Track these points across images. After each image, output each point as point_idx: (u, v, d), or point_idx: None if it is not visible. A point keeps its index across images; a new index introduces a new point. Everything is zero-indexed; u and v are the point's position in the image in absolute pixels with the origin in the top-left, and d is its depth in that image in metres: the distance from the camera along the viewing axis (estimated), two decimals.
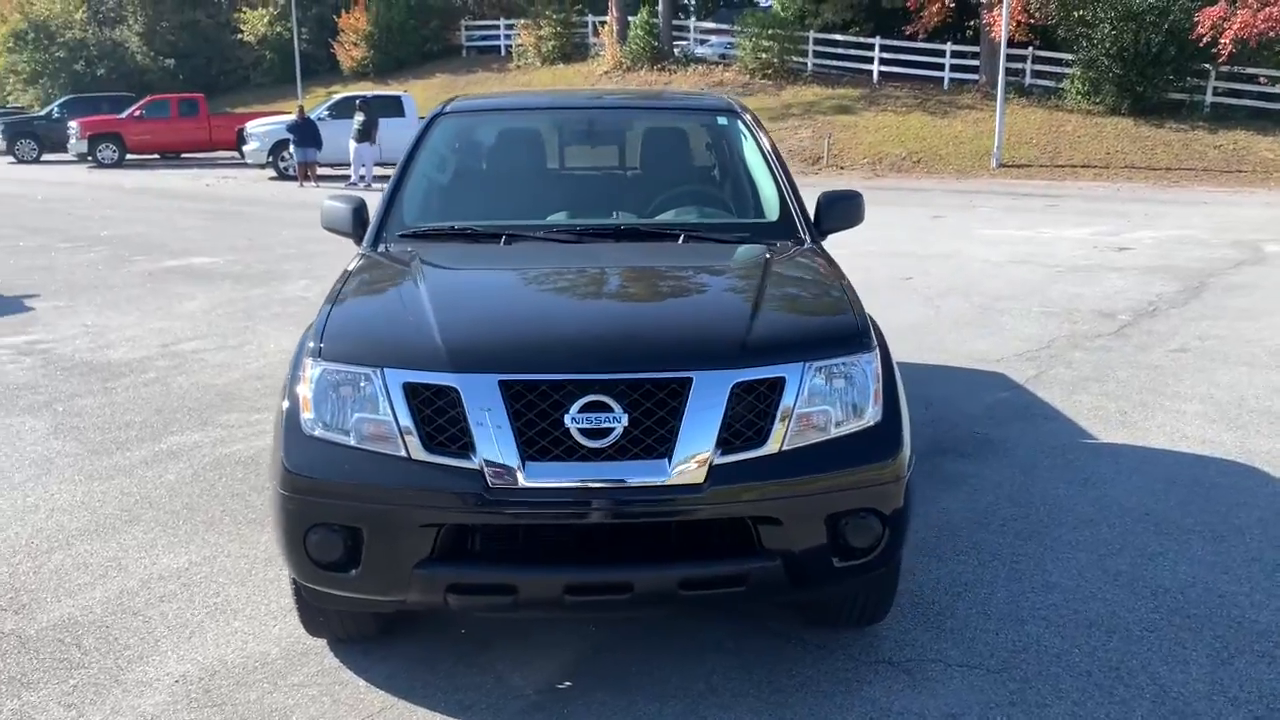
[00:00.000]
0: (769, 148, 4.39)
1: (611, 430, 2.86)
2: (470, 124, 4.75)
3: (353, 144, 21.67)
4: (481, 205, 4.37)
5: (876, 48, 31.35)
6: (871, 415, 3.09)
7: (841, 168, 26.65)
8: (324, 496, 2.94)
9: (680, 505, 2.88)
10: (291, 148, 22.24)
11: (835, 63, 32.37)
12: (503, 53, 39.39)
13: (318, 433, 3.00)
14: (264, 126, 24.25)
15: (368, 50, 39.12)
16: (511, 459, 2.83)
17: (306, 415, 3.03)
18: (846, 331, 3.17)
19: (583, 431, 2.86)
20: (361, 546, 2.91)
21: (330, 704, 3.23)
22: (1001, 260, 12.03)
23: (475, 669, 3.41)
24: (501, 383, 2.88)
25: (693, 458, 2.87)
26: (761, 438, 2.94)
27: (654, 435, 2.88)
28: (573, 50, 37.16)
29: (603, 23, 35.89)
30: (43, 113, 32.34)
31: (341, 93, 28.93)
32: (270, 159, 23.88)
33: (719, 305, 3.35)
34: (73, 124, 27.70)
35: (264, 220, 16.78)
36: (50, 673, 3.41)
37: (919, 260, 12.03)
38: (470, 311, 3.31)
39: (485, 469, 2.84)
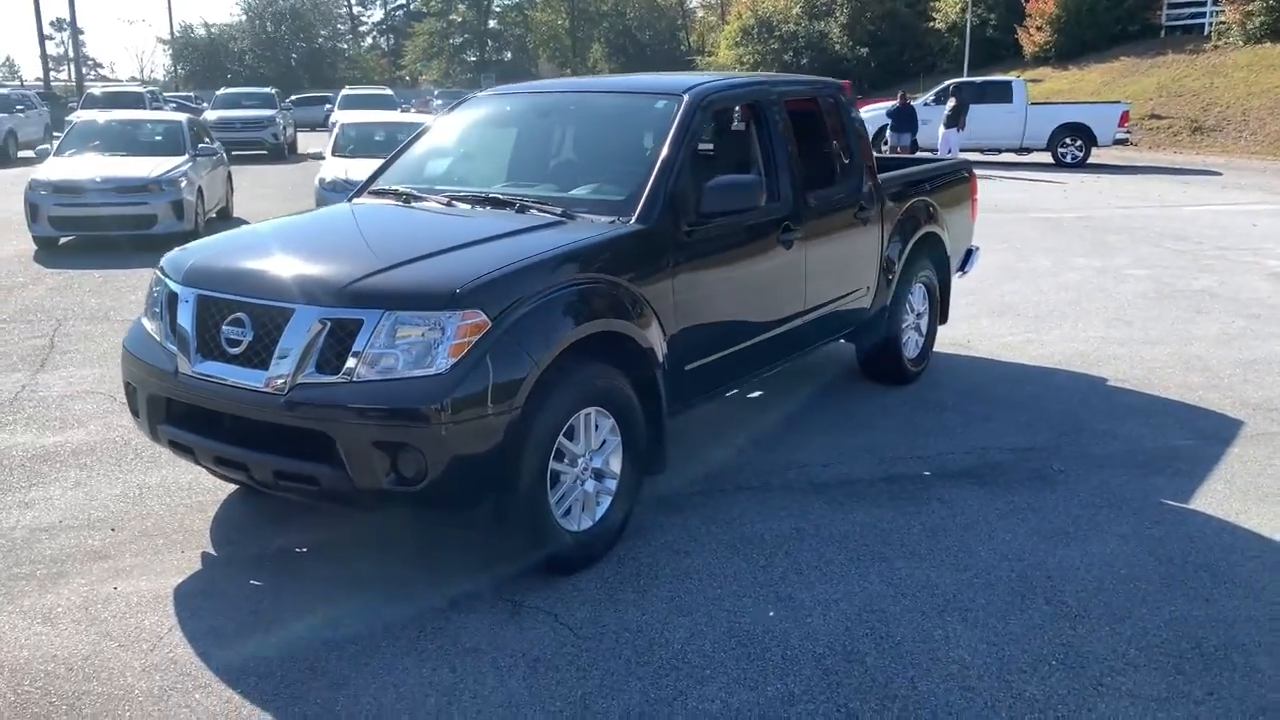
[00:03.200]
0: (684, 132, 4.54)
1: (242, 342, 3.71)
2: (478, 107, 5.56)
3: (941, 129, 21.89)
4: (442, 173, 5.18)
5: None
6: (439, 366, 3.47)
7: None
8: (128, 364, 4.21)
9: (265, 409, 3.62)
10: (888, 133, 23.11)
11: None
12: (1205, 31, 35.49)
13: (144, 321, 4.28)
14: (870, 113, 25.32)
15: (1051, 34, 37.96)
16: (188, 353, 3.83)
17: (145, 310, 4.33)
18: (440, 291, 3.54)
19: (227, 340, 3.75)
20: (138, 402, 4.14)
21: (168, 516, 4.51)
22: None
23: (268, 525, 4.44)
24: (198, 295, 3.88)
25: (281, 373, 3.59)
26: (338, 367, 3.54)
27: (266, 351, 3.65)
28: None
29: None
30: None
31: (1011, 77, 28.65)
32: None
33: (372, 256, 3.89)
34: None
35: None
36: (106, 467, 5.16)
37: None
38: (236, 243, 4.33)
39: (178, 358, 3.87)
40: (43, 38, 50.12)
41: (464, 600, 3.77)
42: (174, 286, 4.02)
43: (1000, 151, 23.92)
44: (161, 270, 4.22)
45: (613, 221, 4.26)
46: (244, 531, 4.40)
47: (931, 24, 42.91)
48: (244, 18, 69.12)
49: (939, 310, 6.76)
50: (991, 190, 18.03)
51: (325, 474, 3.57)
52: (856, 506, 4.61)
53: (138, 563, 4.11)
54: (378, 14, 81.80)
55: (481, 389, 3.50)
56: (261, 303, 3.71)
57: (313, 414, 3.55)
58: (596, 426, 4.00)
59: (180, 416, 3.97)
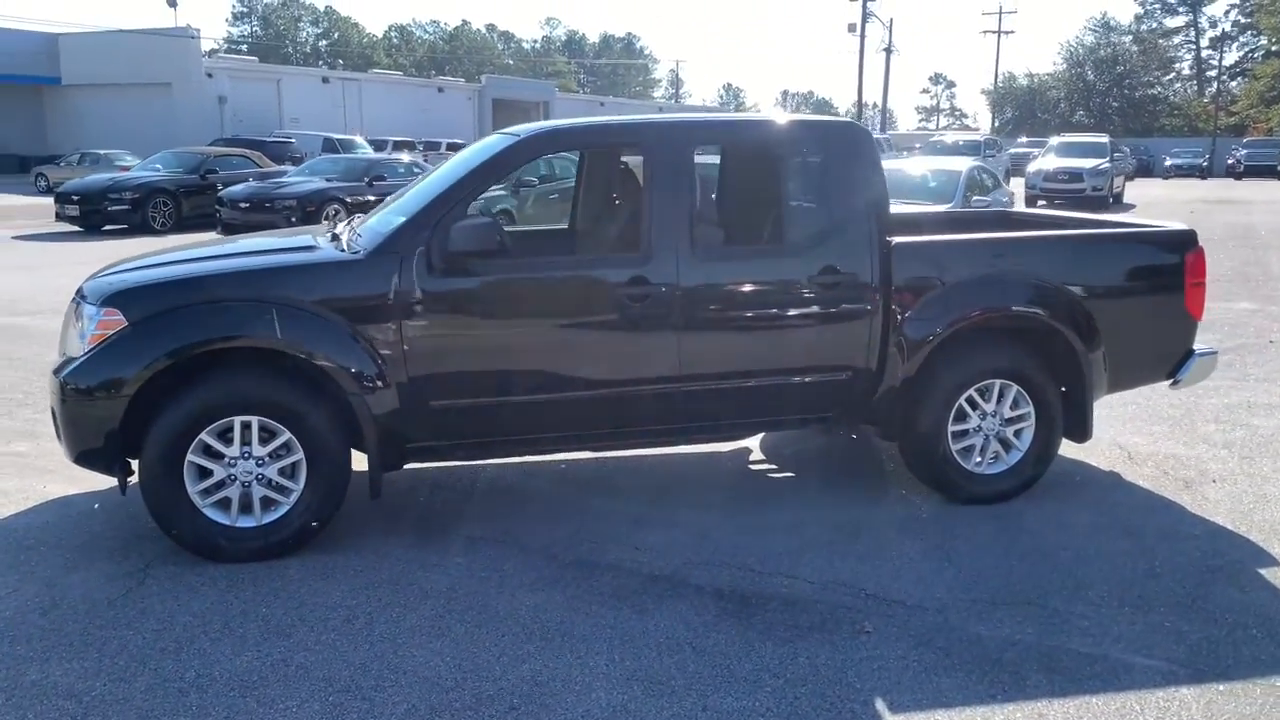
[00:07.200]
0: (481, 173, 4.57)
1: None
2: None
3: None
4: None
5: None
6: (81, 351, 4.23)
7: None
8: None
9: None
10: None
11: None
12: None
13: None
14: None
15: None
16: None
17: None
18: (100, 291, 4.30)
19: None
20: None
21: None
22: None
23: None
24: None
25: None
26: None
27: None
28: None
29: None
30: None
31: None
32: None
33: (152, 263, 4.65)
34: None
35: None
36: None
37: None
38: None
39: None
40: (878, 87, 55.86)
41: (122, 557, 4.40)
42: None
43: None
44: None
45: (358, 252, 4.46)
46: None
47: None
48: (1064, 66, 69.54)
49: (1056, 422, 5.08)
50: None
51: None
52: (560, 590, 4.11)
53: None
54: (1231, 56, 74.56)
55: (92, 376, 4.18)
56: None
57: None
58: (271, 435, 4.29)
59: None
